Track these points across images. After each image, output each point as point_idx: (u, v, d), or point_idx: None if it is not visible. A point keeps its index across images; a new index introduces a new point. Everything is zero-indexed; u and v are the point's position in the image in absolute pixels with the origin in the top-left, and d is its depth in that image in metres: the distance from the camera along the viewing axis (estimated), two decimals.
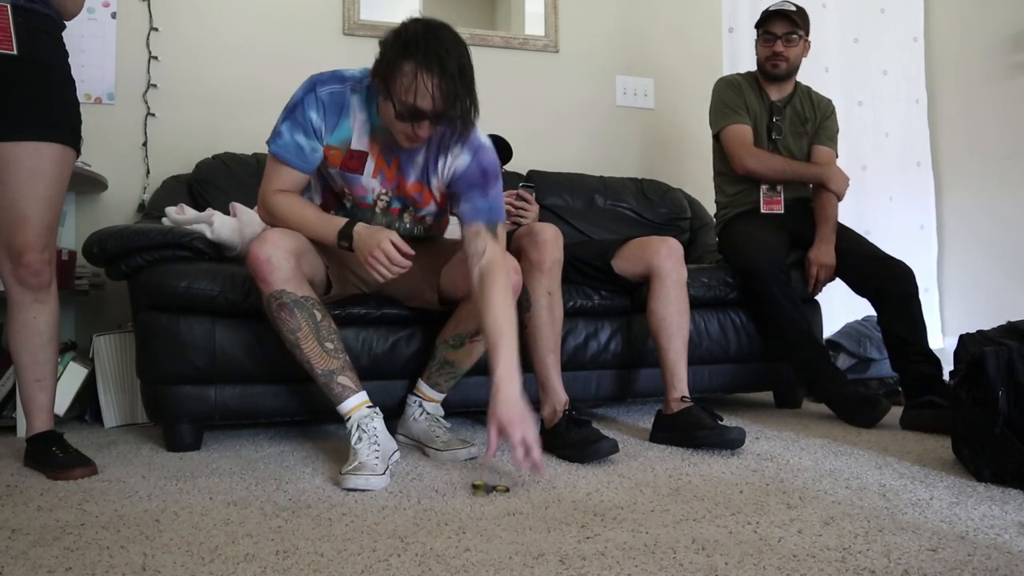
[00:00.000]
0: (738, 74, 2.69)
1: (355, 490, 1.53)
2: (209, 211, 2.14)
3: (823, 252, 2.44)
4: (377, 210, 1.78)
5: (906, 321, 2.29)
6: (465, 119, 1.60)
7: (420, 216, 1.83)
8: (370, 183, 1.73)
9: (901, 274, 2.33)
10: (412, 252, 1.60)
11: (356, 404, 1.66)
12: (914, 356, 2.25)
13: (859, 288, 2.44)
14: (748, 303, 2.42)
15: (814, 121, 2.64)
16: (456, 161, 1.73)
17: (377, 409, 1.69)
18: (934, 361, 2.26)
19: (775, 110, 2.59)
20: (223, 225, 2.09)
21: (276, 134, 1.68)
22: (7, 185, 1.60)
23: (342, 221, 1.65)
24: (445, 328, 1.90)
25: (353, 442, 1.63)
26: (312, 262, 1.72)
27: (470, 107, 1.58)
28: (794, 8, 2.55)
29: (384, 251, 1.58)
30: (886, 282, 2.33)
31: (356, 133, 1.69)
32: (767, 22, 2.56)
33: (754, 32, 2.60)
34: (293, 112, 1.66)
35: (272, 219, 1.72)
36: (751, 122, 2.58)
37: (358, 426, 1.63)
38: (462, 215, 1.74)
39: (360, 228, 1.62)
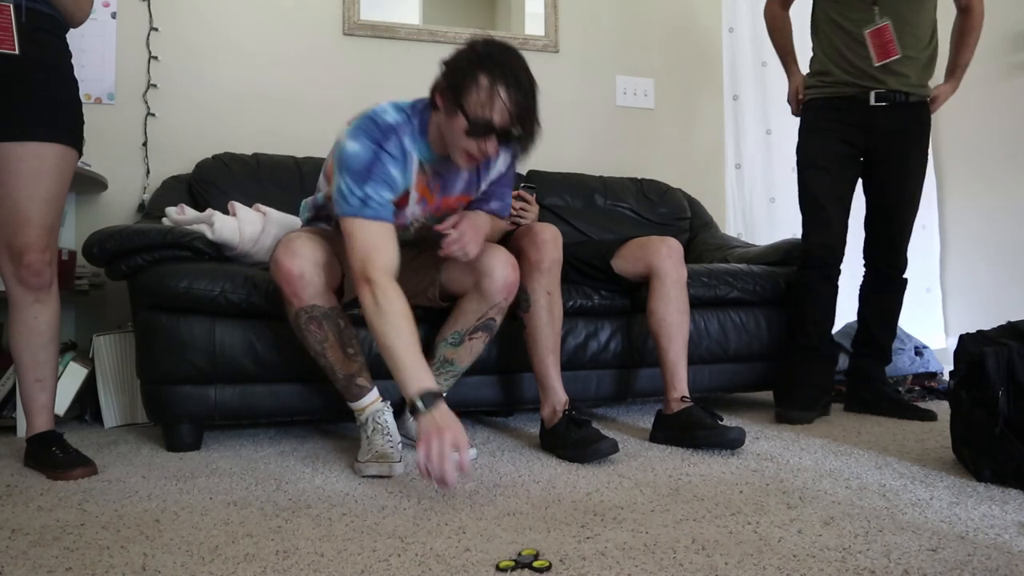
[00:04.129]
0: None
1: (376, 477, 1.64)
2: (209, 211, 2.15)
3: (947, 91, 2.43)
4: (411, 230, 1.83)
5: (883, 315, 2.47)
6: (531, 139, 1.60)
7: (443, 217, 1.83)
8: (412, 212, 1.78)
9: (898, 271, 2.44)
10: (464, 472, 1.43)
11: (371, 400, 1.77)
12: (867, 350, 2.48)
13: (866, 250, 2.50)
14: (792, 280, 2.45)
15: None
16: (500, 163, 1.83)
17: (388, 403, 1.79)
18: (883, 354, 2.48)
19: None
20: (223, 225, 2.10)
21: (364, 199, 1.59)
22: (8, 185, 1.61)
23: (423, 386, 1.46)
24: (444, 326, 1.90)
25: (369, 432, 1.73)
26: (335, 270, 1.75)
27: (535, 128, 1.60)
28: None
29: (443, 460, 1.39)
30: (888, 268, 2.43)
31: (413, 175, 1.70)
32: None
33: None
34: (370, 172, 1.60)
35: (374, 315, 1.52)
36: None
37: (372, 419, 1.74)
38: (488, 210, 1.86)
39: (433, 416, 1.43)
